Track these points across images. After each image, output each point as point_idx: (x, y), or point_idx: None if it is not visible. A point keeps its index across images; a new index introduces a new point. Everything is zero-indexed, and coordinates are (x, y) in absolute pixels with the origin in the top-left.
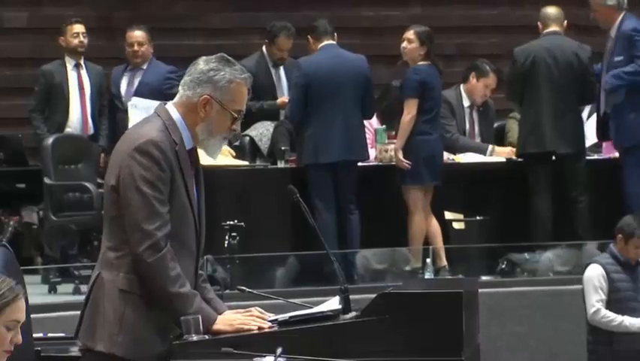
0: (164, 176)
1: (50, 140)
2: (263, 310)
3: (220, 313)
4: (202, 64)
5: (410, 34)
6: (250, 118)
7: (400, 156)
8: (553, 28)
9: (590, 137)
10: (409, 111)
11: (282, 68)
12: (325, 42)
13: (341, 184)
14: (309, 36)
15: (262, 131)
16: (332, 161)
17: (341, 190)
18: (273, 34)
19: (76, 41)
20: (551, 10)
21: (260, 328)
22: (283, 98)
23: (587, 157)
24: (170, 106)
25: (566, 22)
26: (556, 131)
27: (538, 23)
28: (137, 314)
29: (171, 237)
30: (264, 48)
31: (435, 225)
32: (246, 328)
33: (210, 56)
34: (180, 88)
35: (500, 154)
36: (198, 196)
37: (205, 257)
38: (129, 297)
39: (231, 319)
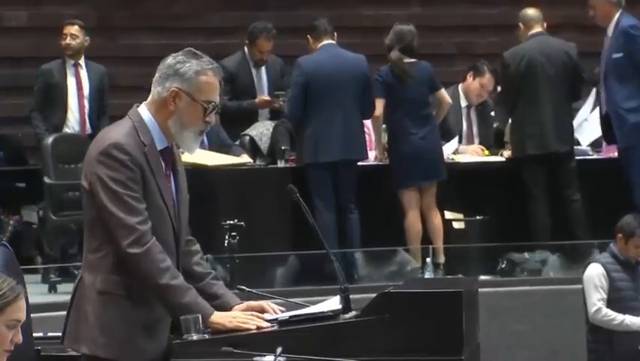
0: (133, 176)
1: (50, 139)
2: (272, 304)
3: (233, 306)
4: (169, 59)
5: None
6: (229, 117)
7: (378, 153)
8: (538, 29)
9: (591, 134)
10: (377, 111)
11: (263, 68)
12: (325, 41)
13: (341, 183)
14: (308, 35)
15: (262, 131)
16: (332, 160)
17: (341, 189)
18: (254, 35)
19: (63, 43)
20: (532, 12)
21: (259, 327)
22: (262, 96)
23: (588, 156)
24: (141, 107)
25: (545, 23)
26: (557, 131)
27: (520, 24)
28: (118, 315)
29: None
30: (245, 48)
31: (437, 222)
32: (245, 327)
33: (178, 52)
34: (152, 86)
35: (471, 152)
36: (178, 195)
37: (205, 256)
38: (109, 298)
39: (231, 316)
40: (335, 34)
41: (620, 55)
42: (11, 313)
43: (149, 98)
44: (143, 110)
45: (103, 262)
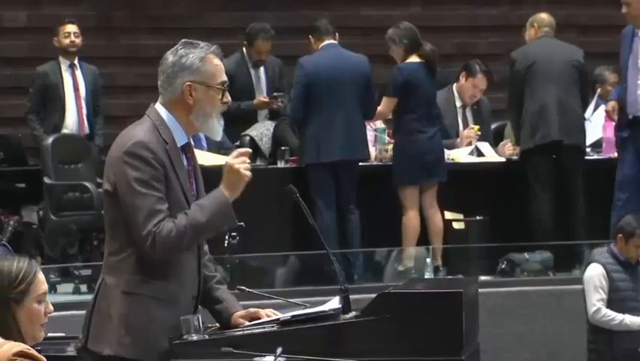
0: (157, 174)
1: (50, 140)
2: (275, 311)
3: (234, 312)
4: (170, 57)
5: (387, 36)
6: (227, 118)
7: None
8: (546, 30)
9: (593, 135)
10: (382, 108)
11: (261, 68)
12: (326, 41)
13: (342, 184)
14: (310, 35)
15: (262, 131)
16: (333, 160)
17: (342, 190)
18: (252, 36)
19: (67, 41)
20: (544, 16)
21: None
22: (261, 97)
23: (588, 157)
24: (158, 106)
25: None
26: (563, 124)
27: (532, 28)
28: (142, 314)
29: None
30: (243, 49)
31: (437, 220)
32: (243, 173)
33: (174, 47)
34: (160, 89)
35: (465, 138)
36: (197, 193)
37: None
38: (133, 298)
39: (228, 180)
40: (336, 34)
41: None
42: (37, 288)
43: (160, 99)
44: (161, 109)
45: (126, 263)
